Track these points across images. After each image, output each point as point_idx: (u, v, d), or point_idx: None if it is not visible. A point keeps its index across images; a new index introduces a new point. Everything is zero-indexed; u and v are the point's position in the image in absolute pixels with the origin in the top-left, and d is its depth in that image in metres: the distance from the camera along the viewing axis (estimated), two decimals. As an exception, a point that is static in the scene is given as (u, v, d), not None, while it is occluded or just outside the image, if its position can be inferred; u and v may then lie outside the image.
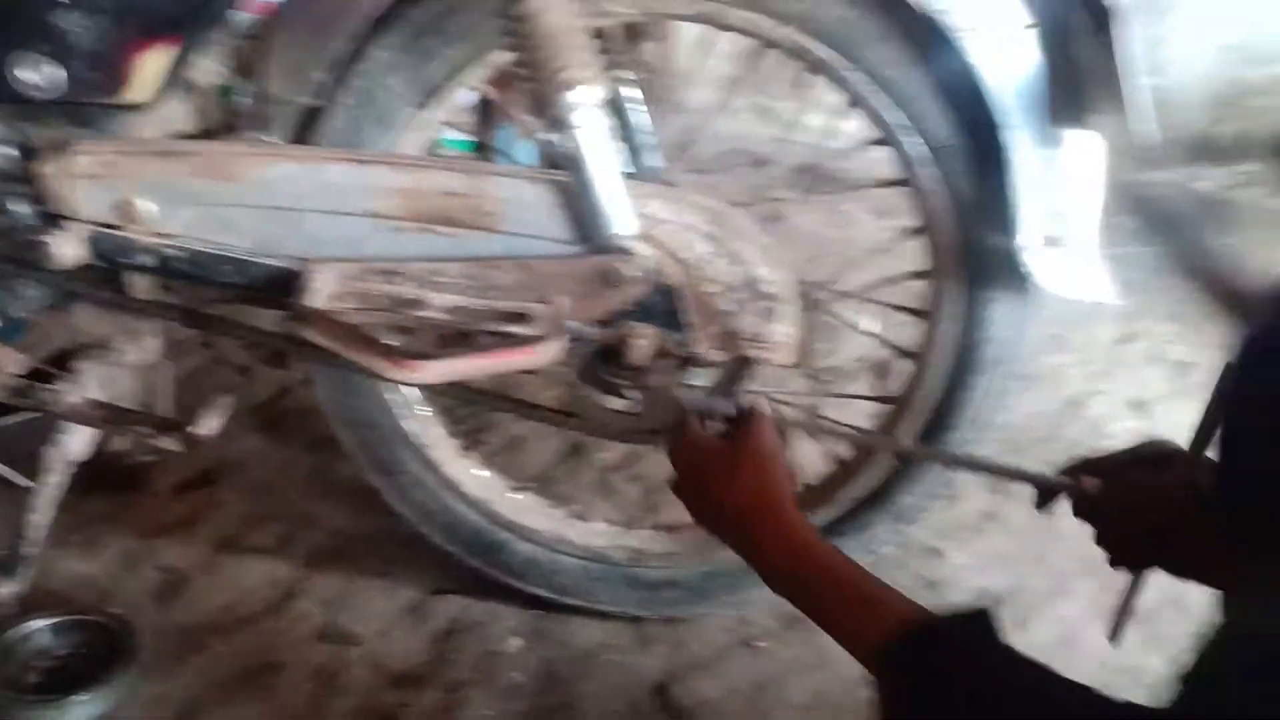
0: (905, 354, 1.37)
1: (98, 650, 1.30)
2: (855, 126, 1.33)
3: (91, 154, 1.13)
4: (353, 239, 1.16)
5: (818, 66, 1.20)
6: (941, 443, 1.32)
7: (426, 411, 1.40)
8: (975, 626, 0.82)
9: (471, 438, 1.81)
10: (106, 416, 1.23)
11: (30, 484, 1.28)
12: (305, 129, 1.24)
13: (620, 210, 1.12)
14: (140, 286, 1.22)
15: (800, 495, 1.39)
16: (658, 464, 1.46)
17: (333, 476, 1.74)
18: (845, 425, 1.26)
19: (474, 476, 1.44)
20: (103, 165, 1.13)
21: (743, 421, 1.03)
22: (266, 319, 1.25)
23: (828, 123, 3.18)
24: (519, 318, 1.11)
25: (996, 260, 1.23)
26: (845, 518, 1.38)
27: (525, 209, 1.13)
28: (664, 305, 1.18)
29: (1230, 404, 0.79)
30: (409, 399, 1.38)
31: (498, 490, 1.45)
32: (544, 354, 1.09)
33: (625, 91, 1.43)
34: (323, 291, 1.13)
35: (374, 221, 1.15)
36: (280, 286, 1.15)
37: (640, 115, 1.45)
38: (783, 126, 2.96)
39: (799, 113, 3.19)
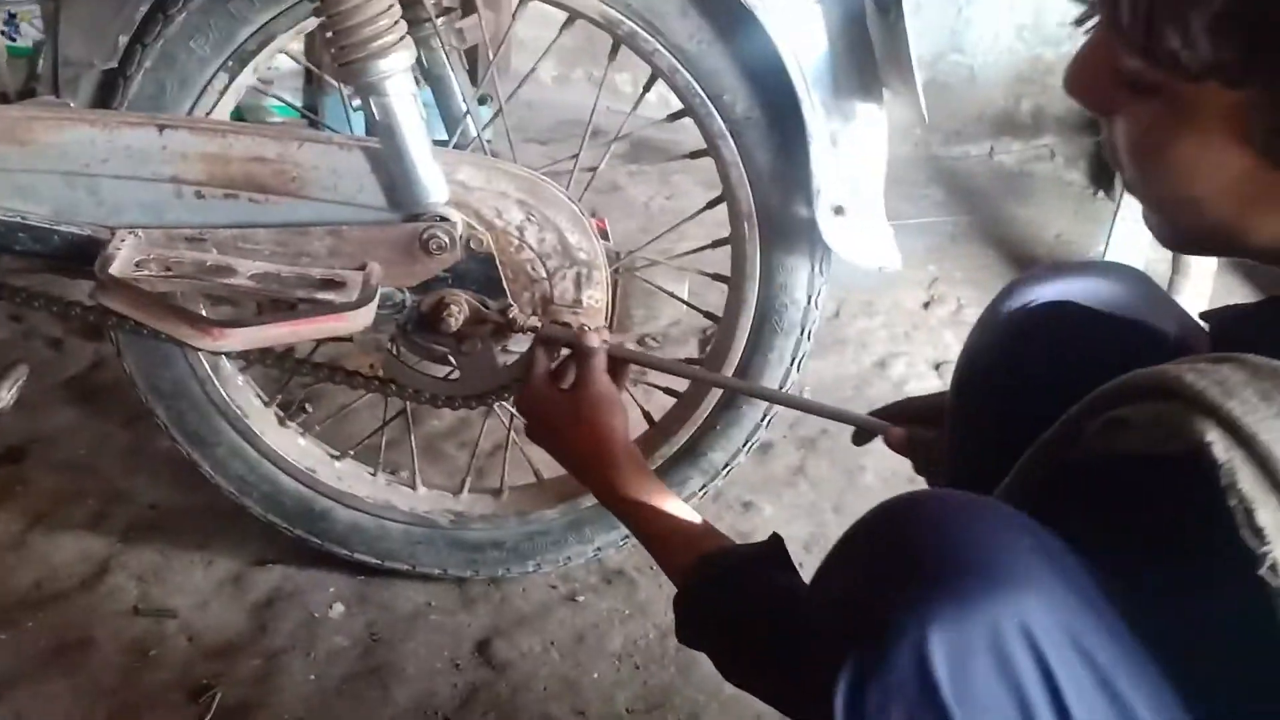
0: (711, 318, 1.44)
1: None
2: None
3: None
4: (155, 205, 1.14)
5: (625, 39, 1.24)
6: (744, 404, 1.40)
7: (241, 381, 1.39)
8: (758, 557, 0.92)
9: (297, 408, 1.80)
10: (-108, 390, 1.18)
11: None
12: (108, 93, 1.21)
13: (432, 177, 1.14)
14: (-73, 256, 1.18)
15: (648, 434, 1.46)
16: (487, 430, 1.50)
17: (150, 450, 1.71)
18: (679, 361, 1.31)
19: (295, 445, 1.44)
20: (-120, 128, 1.09)
21: (581, 362, 1.10)
22: (76, 290, 1.22)
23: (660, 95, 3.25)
24: (332, 284, 1.12)
25: (792, 228, 1.30)
26: (660, 472, 1.44)
27: (336, 175, 1.14)
28: (480, 272, 1.21)
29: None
30: (222, 368, 1.37)
31: (320, 459, 1.45)
32: (355, 320, 1.10)
33: (442, 58, 1.45)
34: (126, 259, 1.12)
35: (176, 187, 1.14)
36: (82, 255, 1.13)
37: (458, 84, 1.47)
38: (616, 98, 3.01)
39: (633, 84, 3.25)
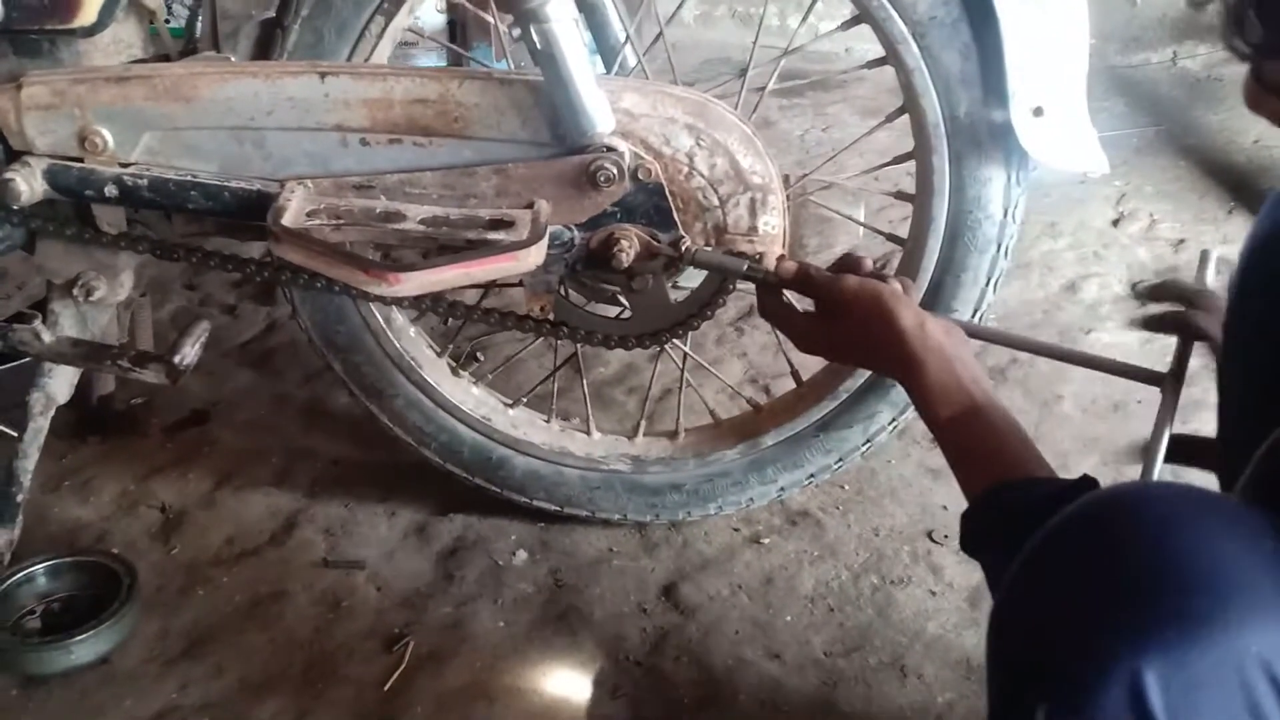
0: (895, 240, 1.34)
1: (98, 590, 1.29)
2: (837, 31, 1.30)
3: (43, 84, 1.10)
4: (321, 155, 1.12)
5: None
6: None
7: (413, 333, 1.38)
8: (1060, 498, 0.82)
9: (467, 358, 1.80)
10: (83, 354, 1.20)
11: (15, 435, 1.26)
12: (267, 46, 1.20)
13: (596, 107, 1.09)
14: (107, 220, 1.19)
15: (800, 393, 1.39)
16: (657, 374, 1.45)
17: (328, 408, 1.73)
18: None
19: (469, 395, 1.42)
20: (56, 95, 1.10)
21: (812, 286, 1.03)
22: (249, 250, 1.22)
23: (810, 27, 3.12)
24: (501, 224, 1.08)
25: (984, 135, 1.20)
26: (845, 407, 1.36)
27: (499, 112, 1.10)
28: (649, 203, 1.15)
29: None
30: (395, 320, 1.35)
31: (494, 407, 1.43)
32: (526, 260, 1.06)
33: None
34: (295, 210, 1.10)
35: (341, 135, 1.12)
36: (251, 210, 1.12)
37: (611, 14, 1.41)
38: (764, 32, 2.90)
39: (780, 17, 3.12)
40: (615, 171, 1.10)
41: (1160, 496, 0.58)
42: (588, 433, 1.45)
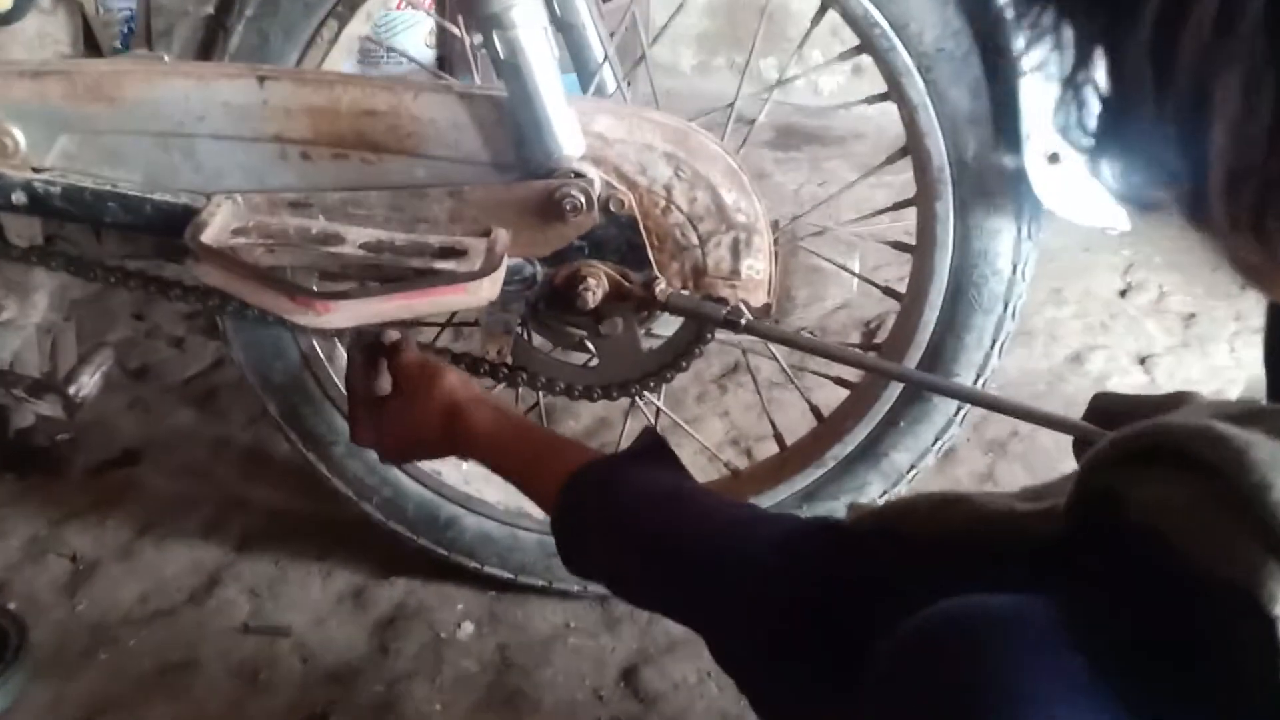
0: (893, 295, 1.23)
1: (-14, 649, 1.15)
2: (836, 84, 1.20)
3: (-53, 75, 0.98)
4: (257, 168, 1.01)
5: None
6: (933, 396, 1.18)
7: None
8: (634, 456, 0.87)
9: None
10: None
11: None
12: (207, 49, 1.09)
13: (566, 128, 0.97)
14: (16, 231, 1.07)
15: (784, 457, 1.27)
16: (629, 429, 1.32)
17: (270, 454, 1.59)
18: (839, 344, 1.11)
19: None
20: (-39, 88, 0.98)
21: (388, 356, 1.02)
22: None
23: (808, 80, 3.06)
24: (451, 253, 0.96)
25: (994, 182, 1.09)
26: (832, 476, 1.23)
27: (457, 129, 0.99)
28: (620, 238, 1.03)
29: None
30: (337, 357, 1.23)
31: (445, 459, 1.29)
32: (478, 293, 0.94)
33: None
34: (219, 226, 0.98)
35: (280, 147, 1.00)
36: (176, 225, 1.00)
37: (591, 32, 1.30)
38: (762, 84, 2.82)
39: (779, 70, 3.04)
40: (583, 200, 0.99)
41: (966, 616, 0.53)
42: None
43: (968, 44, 1.05)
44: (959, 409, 1.19)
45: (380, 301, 0.93)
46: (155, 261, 1.14)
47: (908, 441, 1.20)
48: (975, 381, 1.18)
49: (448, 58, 2.47)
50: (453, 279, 0.93)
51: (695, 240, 1.03)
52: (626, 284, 1.03)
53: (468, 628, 1.28)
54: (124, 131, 1.01)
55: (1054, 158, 1.05)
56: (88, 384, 1.01)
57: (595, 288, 1.03)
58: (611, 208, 1.00)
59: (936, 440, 1.20)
